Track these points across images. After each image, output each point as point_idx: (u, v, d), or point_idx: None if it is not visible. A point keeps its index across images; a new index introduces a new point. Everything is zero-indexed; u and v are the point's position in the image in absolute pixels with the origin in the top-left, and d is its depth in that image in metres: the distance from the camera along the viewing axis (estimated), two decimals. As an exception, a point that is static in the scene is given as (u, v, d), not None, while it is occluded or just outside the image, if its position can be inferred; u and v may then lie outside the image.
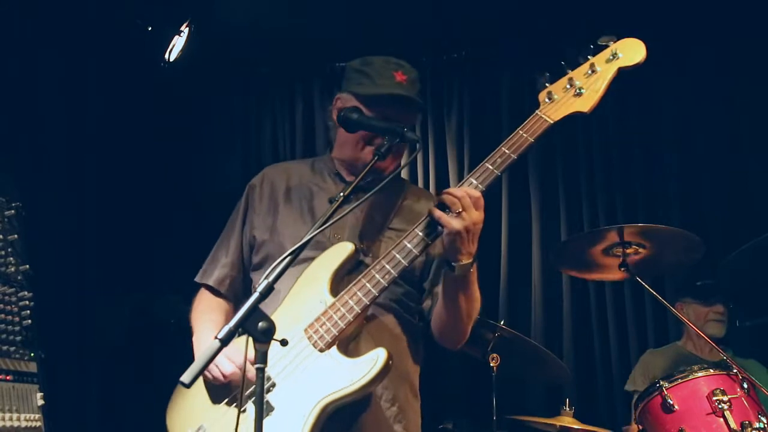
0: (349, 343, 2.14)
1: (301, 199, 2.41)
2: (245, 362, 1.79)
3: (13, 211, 2.33)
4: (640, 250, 3.28)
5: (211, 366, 2.12)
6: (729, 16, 4.42)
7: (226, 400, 2.17)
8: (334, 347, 2.07)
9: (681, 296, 4.10)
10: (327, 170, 2.47)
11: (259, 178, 2.53)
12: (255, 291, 1.68)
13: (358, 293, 2.08)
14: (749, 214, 4.35)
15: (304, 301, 2.15)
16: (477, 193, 2.04)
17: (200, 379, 2.19)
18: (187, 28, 4.58)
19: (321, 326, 2.08)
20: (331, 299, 2.11)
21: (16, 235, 2.31)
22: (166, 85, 4.65)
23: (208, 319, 2.38)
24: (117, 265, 4.29)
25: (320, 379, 2.02)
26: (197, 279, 2.50)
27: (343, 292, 2.10)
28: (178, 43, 4.60)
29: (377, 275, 2.07)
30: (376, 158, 2.19)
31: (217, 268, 2.46)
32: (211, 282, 2.45)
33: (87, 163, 4.24)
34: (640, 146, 4.70)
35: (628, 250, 3.28)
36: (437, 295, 2.28)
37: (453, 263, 2.10)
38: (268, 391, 2.06)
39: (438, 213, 2.02)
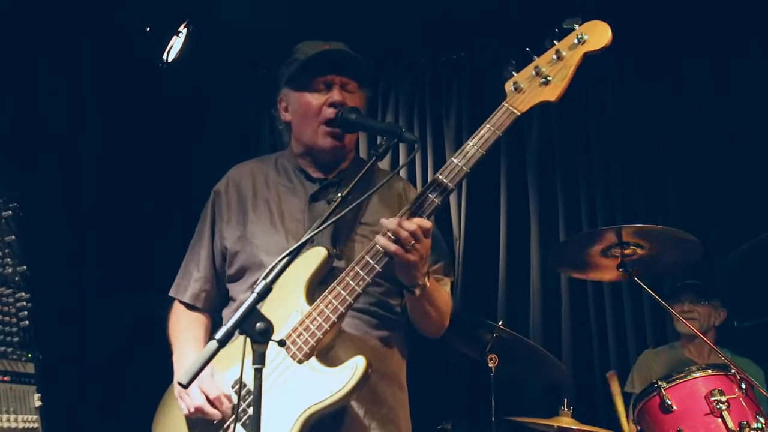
0: (328, 350, 2.11)
1: (269, 203, 2.37)
2: (241, 380, 1.79)
3: (10, 212, 2.32)
4: (639, 250, 3.27)
5: (182, 393, 2.11)
6: (727, 15, 4.43)
7: (203, 425, 2.14)
8: (313, 357, 2.04)
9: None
10: (291, 168, 2.43)
11: (224, 183, 2.48)
12: (252, 292, 1.67)
13: (334, 301, 2.05)
14: (747, 215, 4.35)
15: (281, 310, 2.10)
16: (428, 224, 2.02)
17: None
18: (185, 29, 4.58)
19: (298, 337, 2.05)
20: (307, 308, 2.08)
21: (13, 236, 2.30)
22: (164, 86, 4.65)
23: (191, 336, 2.35)
24: (115, 266, 4.29)
25: (301, 391, 2.00)
26: (171, 293, 2.46)
27: (318, 301, 2.07)
28: (176, 44, 4.60)
29: (351, 282, 2.04)
30: (374, 159, 2.16)
31: (191, 284, 2.42)
32: (186, 299, 2.42)
33: (85, 164, 4.23)
34: (639, 147, 4.70)
35: (626, 251, 3.27)
36: None
37: (412, 288, 2.10)
38: (250, 405, 2.02)
39: (392, 249, 1.99)
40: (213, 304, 2.43)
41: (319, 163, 2.38)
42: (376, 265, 2.04)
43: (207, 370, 2.07)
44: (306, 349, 2.04)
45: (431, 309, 2.21)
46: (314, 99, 2.29)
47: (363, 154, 4.38)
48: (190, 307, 2.43)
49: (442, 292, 2.27)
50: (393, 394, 2.26)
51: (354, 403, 2.13)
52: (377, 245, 2.04)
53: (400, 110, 5.10)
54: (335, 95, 2.27)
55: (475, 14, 4.61)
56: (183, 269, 2.48)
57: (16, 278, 2.29)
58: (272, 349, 1.99)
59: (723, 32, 4.51)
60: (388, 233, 2.01)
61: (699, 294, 4.05)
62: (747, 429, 2.79)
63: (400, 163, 4.80)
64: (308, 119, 2.31)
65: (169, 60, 4.61)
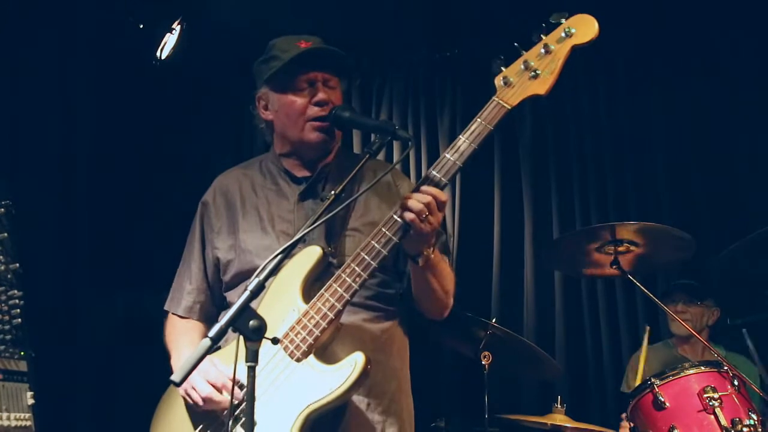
0: (326, 348, 2.10)
1: (258, 209, 2.35)
2: (234, 380, 1.79)
3: (2, 209, 2.31)
4: (632, 248, 3.29)
5: (188, 388, 2.11)
6: (720, 14, 4.44)
7: (202, 425, 2.14)
8: (312, 355, 2.04)
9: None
10: (276, 170, 2.40)
11: (211, 193, 2.46)
12: (246, 290, 1.66)
13: (330, 299, 2.04)
14: (740, 212, 4.36)
15: (277, 310, 2.10)
16: (444, 196, 2.02)
17: (182, 399, 2.17)
18: (179, 26, 4.57)
19: (296, 335, 2.04)
20: (304, 306, 2.07)
21: (5, 234, 2.30)
22: (157, 83, 4.64)
23: (187, 339, 2.34)
24: (109, 263, 4.28)
25: (300, 390, 2.00)
26: (166, 307, 2.46)
27: (315, 299, 2.06)
28: (169, 41, 4.59)
29: (348, 279, 2.04)
30: (367, 156, 2.15)
31: (184, 297, 2.42)
32: (180, 312, 2.42)
33: (78, 161, 4.22)
34: (632, 145, 4.71)
35: (620, 248, 3.28)
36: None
37: (417, 257, 2.09)
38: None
39: (409, 218, 1.99)
40: (208, 315, 2.43)
41: (305, 160, 2.35)
42: (372, 261, 2.03)
43: (207, 363, 2.07)
44: (304, 347, 2.03)
45: (435, 283, 2.19)
46: (298, 98, 2.27)
47: (357, 151, 4.38)
48: (185, 318, 2.43)
49: (446, 266, 2.25)
50: (395, 386, 2.26)
51: (356, 397, 2.13)
52: (395, 216, 2.03)
53: (393, 107, 5.10)
54: (321, 94, 2.25)
55: (468, 11, 4.61)
56: (176, 282, 2.47)
57: (9, 276, 2.28)
58: (270, 348, 2.00)
59: (715, 30, 4.52)
60: (403, 204, 2.00)
61: (692, 295, 4.05)
62: (740, 425, 2.80)
63: (394, 161, 4.80)
64: (293, 118, 2.28)
65: (163, 57, 4.59)
